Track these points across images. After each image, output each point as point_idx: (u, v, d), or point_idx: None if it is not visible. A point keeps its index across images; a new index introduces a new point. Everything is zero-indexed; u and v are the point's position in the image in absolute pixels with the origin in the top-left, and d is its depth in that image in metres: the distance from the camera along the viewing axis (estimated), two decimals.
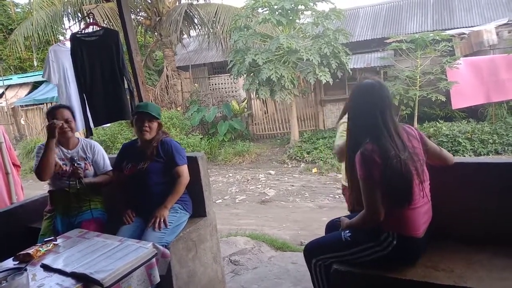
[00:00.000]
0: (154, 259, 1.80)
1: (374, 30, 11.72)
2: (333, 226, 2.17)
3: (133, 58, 2.93)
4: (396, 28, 11.34)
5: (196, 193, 2.63)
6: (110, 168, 2.68)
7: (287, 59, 8.47)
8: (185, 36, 13.10)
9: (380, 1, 13.46)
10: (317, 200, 6.04)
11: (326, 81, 8.32)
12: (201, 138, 9.99)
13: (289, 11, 8.41)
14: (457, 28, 9.96)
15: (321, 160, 8.14)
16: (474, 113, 8.60)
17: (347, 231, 1.90)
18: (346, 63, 8.64)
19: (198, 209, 2.66)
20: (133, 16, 12.44)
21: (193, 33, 13.14)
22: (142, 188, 2.43)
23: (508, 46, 8.55)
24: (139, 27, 13.27)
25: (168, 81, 12.38)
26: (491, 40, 8.79)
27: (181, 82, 12.83)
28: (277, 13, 8.45)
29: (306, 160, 8.45)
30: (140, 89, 2.98)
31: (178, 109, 11.95)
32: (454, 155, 6.58)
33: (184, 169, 2.45)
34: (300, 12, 8.79)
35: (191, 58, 14.32)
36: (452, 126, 7.85)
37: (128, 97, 3.20)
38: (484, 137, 7.27)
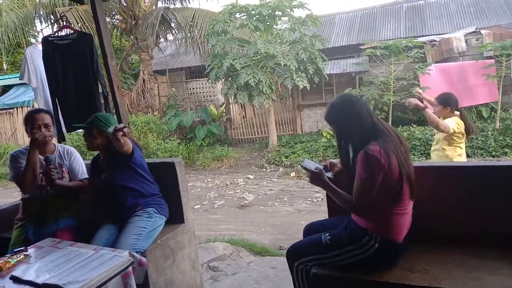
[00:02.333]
0: (130, 268, 1.76)
1: (350, 36, 11.97)
2: (311, 229, 2.19)
3: (108, 62, 2.87)
4: (370, 35, 11.63)
5: (173, 199, 2.60)
6: (86, 175, 2.60)
7: (265, 64, 8.52)
8: (162, 40, 12.97)
9: (355, 8, 13.82)
10: (295, 204, 6.07)
11: (304, 86, 8.41)
12: (178, 143, 9.88)
13: (266, 17, 8.49)
14: (429, 35, 10.32)
15: (299, 164, 8.19)
16: None
17: (327, 234, 1.91)
18: (323, 68, 8.78)
19: (176, 216, 2.62)
20: (108, 19, 12.22)
21: (170, 37, 13.04)
22: (113, 195, 2.38)
23: (476, 53, 8.92)
24: (115, 30, 13.04)
25: (144, 85, 12.20)
26: (460, 47, 9.16)
27: (158, 86, 12.67)
28: (254, 18, 8.51)
29: (284, 164, 8.50)
30: (116, 93, 2.92)
31: (155, 113, 11.79)
32: (427, 159, 6.75)
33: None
34: (277, 18, 8.87)
35: (168, 62, 14.18)
36: (425, 130, 8.09)
37: (102, 101, 3.13)
38: None
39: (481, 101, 8.58)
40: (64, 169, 2.51)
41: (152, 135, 9.90)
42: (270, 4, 8.36)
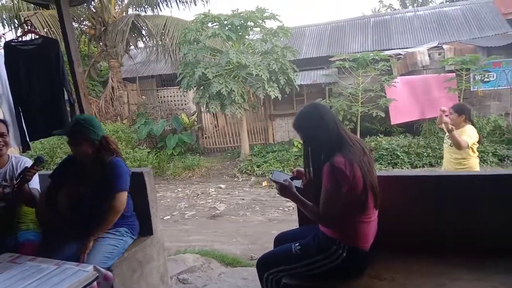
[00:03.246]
0: (95, 283, 1.69)
1: (319, 48, 12.27)
2: (281, 239, 2.20)
3: (74, 68, 2.78)
4: (339, 47, 11.97)
5: (142, 210, 2.53)
6: (37, 186, 2.46)
7: (237, 74, 8.56)
8: (132, 47, 12.76)
9: (324, 21, 14.19)
10: (267, 214, 6.08)
11: (275, 96, 8.51)
12: (148, 152, 9.67)
13: (238, 27, 8.55)
14: (394, 49, 10.74)
15: (271, 173, 8.23)
16: (410, 128, 9.25)
17: (297, 244, 1.93)
18: (294, 79, 8.93)
19: (144, 227, 2.55)
20: (75, 25, 11.87)
21: (140, 44, 12.84)
22: (82, 211, 2.28)
23: (438, 67, 9.37)
24: (83, 36, 12.69)
25: (113, 93, 11.91)
26: (424, 61, 9.59)
27: (127, 94, 12.41)
28: (227, 28, 8.56)
29: (256, 174, 8.51)
30: (82, 101, 2.83)
31: (124, 122, 11.51)
32: (393, 168, 6.96)
33: (121, 196, 2.23)
34: (249, 29, 8.97)
35: (138, 70, 13.94)
36: (391, 141, 8.37)
37: (68, 109, 3.02)
38: (419, 150, 7.83)
39: None
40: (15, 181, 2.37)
41: (121, 144, 9.64)
42: (242, 14, 8.44)
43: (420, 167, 7.54)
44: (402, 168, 7.54)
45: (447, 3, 19.09)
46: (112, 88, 11.88)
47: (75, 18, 11.47)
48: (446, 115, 3.56)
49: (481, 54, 8.97)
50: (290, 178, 2.02)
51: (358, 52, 10.11)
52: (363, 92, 8.85)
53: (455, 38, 10.99)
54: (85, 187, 2.27)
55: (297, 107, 10.73)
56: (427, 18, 12.60)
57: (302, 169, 2.12)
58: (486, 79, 9.14)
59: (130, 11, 12.08)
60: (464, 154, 3.70)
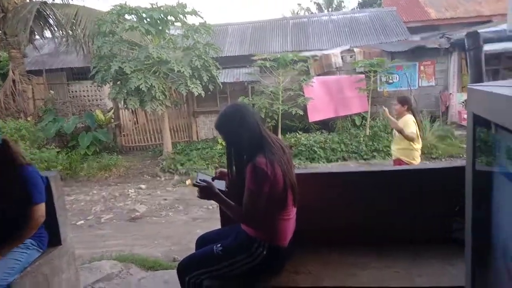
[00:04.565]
0: None
1: (242, 46, 12.39)
2: (203, 241, 2.17)
3: None
4: (261, 46, 12.23)
5: (48, 219, 2.29)
6: None
7: (157, 69, 8.24)
8: (37, 37, 11.48)
9: (246, 20, 14.37)
10: (191, 213, 5.98)
11: (198, 93, 8.39)
12: (58, 152, 8.82)
13: (158, 21, 8.22)
14: (311, 50, 11.31)
15: (194, 171, 8.11)
16: (326, 125, 9.86)
17: (219, 245, 1.92)
18: (217, 76, 8.89)
19: (51, 238, 2.32)
20: None
21: (48, 34, 11.61)
22: None
23: (350, 68, 10.13)
24: None
25: (15, 87, 10.60)
26: (337, 63, 10.28)
27: (32, 88, 11.15)
28: (145, 21, 8.17)
29: (180, 172, 8.31)
30: None
31: (29, 119, 10.34)
32: (311, 162, 7.34)
33: (38, 209, 2.07)
34: (170, 23, 8.67)
35: (45, 62, 12.62)
36: (309, 137, 8.83)
37: None
38: (334, 146, 8.40)
39: (354, 111, 9.75)
40: None
41: (25, 143, 8.65)
42: (162, 8, 8.13)
43: (334, 161, 8.09)
44: (319, 163, 8.02)
45: (358, 9, 20.76)
46: (14, 81, 10.56)
47: None
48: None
49: (386, 58, 9.91)
50: (212, 179, 2.01)
51: (278, 52, 10.45)
52: (283, 91, 9.18)
53: (365, 42, 11.95)
54: None
55: (220, 105, 10.72)
56: (340, 23, 13.51)
57: (225, 170, 2.12)
58: (390, 81, 10.15)
59: None
60: (407, 144, 4.24)
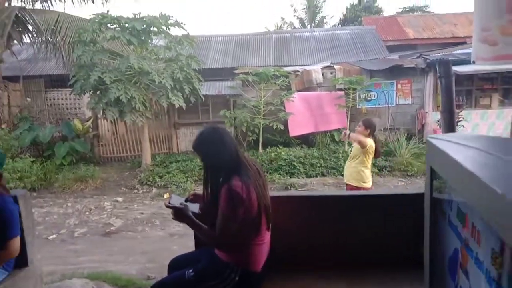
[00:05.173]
0: None
1: (225, 59, 12.47)
2: (175, 264, 2.15)
3: None
4: (244, 60, 12.34)
5: None
6: None
7: (138, 80, 8.18)
8: (15, 42, 11.22)
9: (230, 32, 14.49)
10: (167, 228, 5.89)
11: (180, 105, 8.35)
12: (32, 161, 8.56)
13: (140, 32, 8.19)
14: (293, 65, 11.49)
15: (173, 184, 8.03)
16: (306, 140, 9.97)
17: (191, 270, 1.90)
18: (199, 89, 8.89)
19: (18, 259, 2.24)
20: None
21: (26, 39, 11.36)
22: None
23: (330, 85, 10.31)
24: None
25: None
26: (318, 79, 10.46)
27: (8, 95, 10.84)
28: (127, 31, 8.12)
29: (158, 185, 8.19)
30: None
31: (3, 126, 10.02)
32: (290, 177, 7.38)
33: (13, 243, 2.06)
34: (152, 34, 8.66)
35: (23, 68, 12.30)
36: (289, 151, 8.90)
37: None
38: (313, 161, 8.48)
39: (334, 127, 9.91)
40: None
41: None
42: (145, 19, 8.11)
43: (313, 176, 8.15)
44: (298, 178, 8.07)
45: (339, 26, 21.26)
46: None
47: None
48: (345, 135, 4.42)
49: (365, 75, 10.16)
50: (185, 200, 2.01)
51: (261, 66, 10.57)
52: (264, 105, 9.25)
53: (345, 59, 12.24)
54: None
55: (202, 117, 10.70)
56: (322, 39, 13.81)
57: (200, 193, 2.11)
58: (368, 98, 10.39)
59: (15, 2, 10.65)
60: (359, 158, 4.36)
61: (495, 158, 0.75)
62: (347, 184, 4.70)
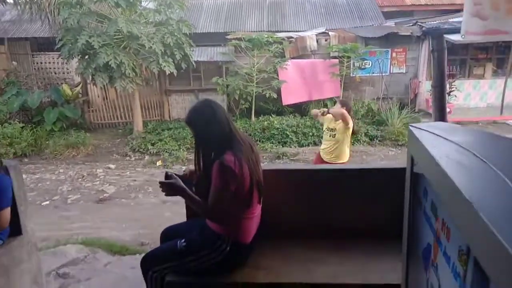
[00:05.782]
0: None
1: (217, 23, 12.10)
2: (168, 234, 2.20)
3: None
4: (237, 24, 11.99)
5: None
6: None
7: (127, 45, 7.95)
8: None
9: None
10: (161, 195, 5.88)
11: (170, 71, 8.19)
12: (22, 127, 8.45)
13: None
14: (288, 31, 11.22)
15: (166, 152, 8.03)
16: (299, 109, 9.92)
17: (183, 240, 1.95)
18: (190, 55, 8.69)
19: (12, 228, 2.28)
20: None
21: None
22: None
23: (325, 52, 10.15)
24: None
25: None
26: (312, 46, 10.27)
27: None
28: None
29: (150, 152, 8.19)
30: None
31: None
32: (283, 146, 7.41)
33: (4, 214, 2.11)
34: None
35: (7, 30, 11.83)
36: (282, 120, 8.89)
37: None
38: (305, 130, 8.50)
39: (327, 95, 9.85)
40: None
41: None
42: None
43: (306, 145, 8.21)
44: (290, 147, 8.12)
45: None
46: None
47: None
48: (324, 113, 4.33)
49: (360, 43, 9.99)
50: (181, 178, 2.01)
51: (254, 32, 10.29)
52: (257, 72, 9.11)
53: (340, 25, 11.97)
54: None
55: (194, 84, 10.54)
56: (317, 3, 13.39)
57: (193, 169, 2.12)
58: (363, 66, 10.28)
59: None
60: (339, 133, 4.26)
61: (472, 158, 0.75)
62: (317, 159, 4.64)
